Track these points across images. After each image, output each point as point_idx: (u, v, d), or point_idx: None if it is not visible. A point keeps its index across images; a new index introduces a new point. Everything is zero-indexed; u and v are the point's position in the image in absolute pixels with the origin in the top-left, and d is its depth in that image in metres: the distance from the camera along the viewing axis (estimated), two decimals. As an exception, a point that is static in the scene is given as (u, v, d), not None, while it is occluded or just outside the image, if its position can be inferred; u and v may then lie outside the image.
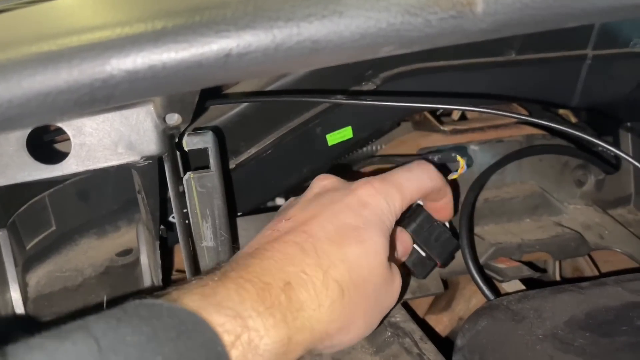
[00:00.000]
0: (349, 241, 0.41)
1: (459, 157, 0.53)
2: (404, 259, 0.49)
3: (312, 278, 0.38)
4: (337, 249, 0.40)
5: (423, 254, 0.50)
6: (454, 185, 0.57)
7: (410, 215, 0.49)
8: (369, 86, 0.56)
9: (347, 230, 0.41)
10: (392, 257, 0.44)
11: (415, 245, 0.49)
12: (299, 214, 0.43)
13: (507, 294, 0.48)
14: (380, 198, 0.43)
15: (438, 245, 0.50)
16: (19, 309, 0.47)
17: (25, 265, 0.49)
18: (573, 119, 0.66)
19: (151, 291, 0.38)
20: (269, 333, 0.35)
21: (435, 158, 0.55)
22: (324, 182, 0.46)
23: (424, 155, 0.56)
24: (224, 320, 0.34)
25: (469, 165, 0.57)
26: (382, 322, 0.45)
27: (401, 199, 0.44)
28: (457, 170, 0.53)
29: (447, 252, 0.50)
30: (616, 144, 0.65)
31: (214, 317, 0.34)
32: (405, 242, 0.48)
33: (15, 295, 0.47)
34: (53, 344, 0.29)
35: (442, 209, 0.50)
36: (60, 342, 0.30)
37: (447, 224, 0.51)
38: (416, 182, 0.46)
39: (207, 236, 0.49)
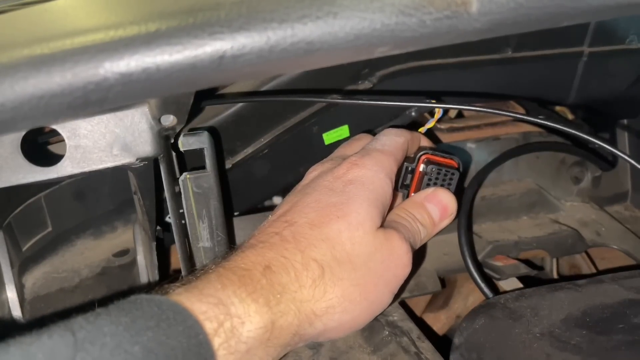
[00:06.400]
0: (329, 219, 0.41)
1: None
2: (448, 219, 0.48)
3: (291, 261, 0.39)
4: (317, 230, 0.40)
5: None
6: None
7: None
8: (366, 85, 0.56)
9: (328, 210, 0.41)
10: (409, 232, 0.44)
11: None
12: (283, 207, 0.44)
13: (505, 292, 0.48)
14: (365, 170, 0.44)
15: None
16: (16, 310, 0.47)
17: (22, 266, 0.49)
18: (570, 116, 0.66)
19: (145, 289, 0.38)
20: (252, 319, 0.36)
21: (413, 113, 0.57)
22: (312, 173, 0.48)
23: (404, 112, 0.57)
24: (206, 308, 0.34)
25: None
26: (384, 319, 0.45)
27: (388, 159, 0.45)
28: (433, 117, 0.54)
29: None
30: (613, 142, 0.65)
31: (195, 306, 0.34)
32: (439, 201, 0.48)
33: (11, 296, 0.47)
34: (30, 339, 0.30)
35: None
36: (38, 337, 0.30)
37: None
38: (391, 143, 0.47)
39: (204, 236, 0.49)
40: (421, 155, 0.49)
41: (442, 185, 0.49)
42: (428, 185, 0.49)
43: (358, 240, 0.41)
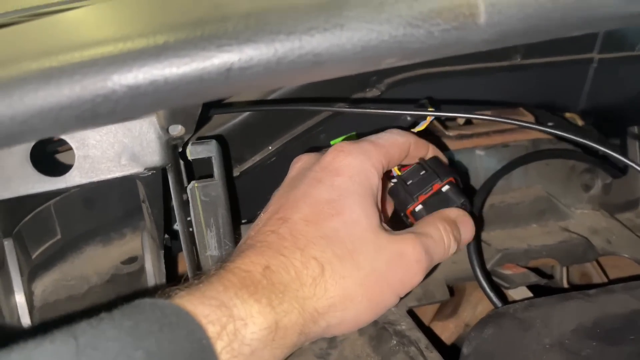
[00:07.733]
0: (324, 217, 0.40)
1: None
2: (468, 238, 0.46)
3: (290, 259, 0.38)
4: (314, 227, 0.40)
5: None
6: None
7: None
8: (373, 92, 0.56)
9: (322, 207, 0.41)
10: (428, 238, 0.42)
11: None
12: (275, 204, 0.43)
13: (514, 301, 0.48)
14: (351, 158, 0.42)
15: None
16: (25, 317, 0.47)
17: (31, 273, 0.49)
18: (580, 122, 0.66)
19: (150, 295, 0.38)
20: (255, 320, 0.35)
21: (408, 118, 0.56)
22: (297, 164, 0.46)
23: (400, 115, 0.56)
24: (208, 312, 0.34)
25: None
26: (390, 325, 0.45)
27: (377, 150, 0.43)
28: (425, 119, 0.52)
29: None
30: (623, 149, 0.65)
31: (198, 309, 0.34)
32: (467, 227, 0.45)
33: (21, 303, 0.47)
34: (32, 344, 0.30)
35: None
36: (40, 342, 0.30)
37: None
38: (387, 138, 0.45)
39: (212, 245, 0.49)
40: (418, 196, 0.46)
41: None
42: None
43: (358, 238, 0.40)
